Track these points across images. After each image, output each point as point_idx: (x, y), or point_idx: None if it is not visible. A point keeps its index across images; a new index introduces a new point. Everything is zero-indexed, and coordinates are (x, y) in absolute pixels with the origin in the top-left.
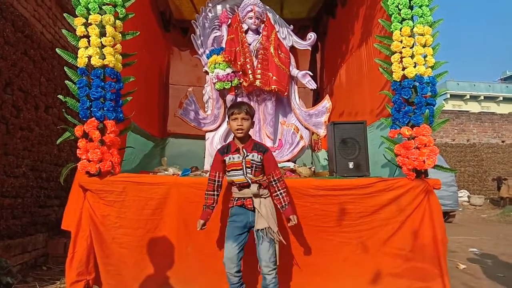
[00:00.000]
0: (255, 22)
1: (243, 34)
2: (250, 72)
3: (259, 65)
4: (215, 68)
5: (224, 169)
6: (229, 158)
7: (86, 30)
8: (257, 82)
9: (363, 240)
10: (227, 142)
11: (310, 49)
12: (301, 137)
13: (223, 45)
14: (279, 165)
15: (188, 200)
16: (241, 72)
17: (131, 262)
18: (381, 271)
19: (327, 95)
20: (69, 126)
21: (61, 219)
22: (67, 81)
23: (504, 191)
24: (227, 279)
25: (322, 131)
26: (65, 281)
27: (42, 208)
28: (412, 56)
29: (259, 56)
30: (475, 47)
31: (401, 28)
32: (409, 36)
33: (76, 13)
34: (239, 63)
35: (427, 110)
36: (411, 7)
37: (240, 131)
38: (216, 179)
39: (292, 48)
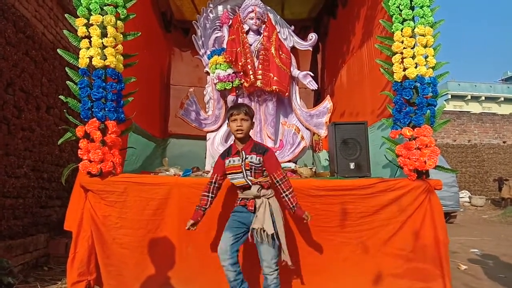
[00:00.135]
0: (256, 22)
1: (244, 34)
2: (251, 72)
3: (260, 66)
4: (216, 68)
5: (224, 172)
6: (229, 161)
7: (88, 31)
8: (258, 83)
9: (364, 240)
10: (228, 145)
11: (311, 49)
12: (302, 138)
13: (224, 45)
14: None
15: (189, 201)
16: (242, 73)
17: (132, 262)
18: (382, 271)
19: (328, 95)
20: (71, 126)
21: (63, 220)
22: (68, 81)
23: (505, 192)
24: (226, 277)
25: (323, 132)
26: (66, 281)
27: (43, 209)
28: (413, 57)
29: (260, 56)
30: (476, 47)
31: (402, 29)
32: (410, 37)
33: (78, 13)
34: (240, 63)
35: (428, 111)
36: (412, 8)
37: (240, 132)
38: (213, 181)
39: (293, 49)
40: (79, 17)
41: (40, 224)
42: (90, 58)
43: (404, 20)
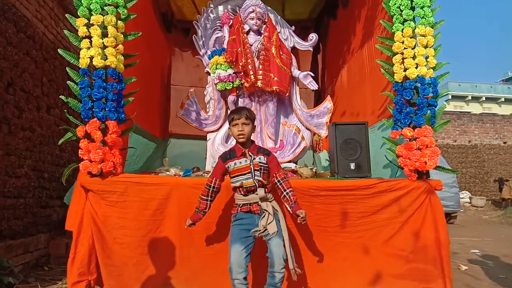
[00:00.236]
0: (256, 23)
1: (245, 35)
2: (251, 73)
3: (260, 66)
4: (216, 69)
5: (223, 176)
6: (234, 164)
7: (88, 31)
8: (259, 83)
9: (364, 241)
10: (229, 148)
11: (312, 50)
12: (303, 138)
13: (225, 46)
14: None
15: (190, 201)
16: (242, 73)
17: (132, 262)
18: (382, 271)
19: (329, 96)
20: (71, 126)
21: (63, 219)
22: (69, 81)
23: (505, 192)
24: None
25: (323, 132)
26: (67, 281)
27: (44, 209)
28: (413, 57)
29: (260, 57)
30: (476, 48)
31: (402, 29)
32: (410, 37)
33: (78, 13)
34: (240, 64)
35: (428, 111)
36: (412, 8)
37: (242, 136)
38: (212, 185)
39: (294, 49)
40: (79, 17)
41: (40, 224)
42: (91, 58)
43: (405, 20)
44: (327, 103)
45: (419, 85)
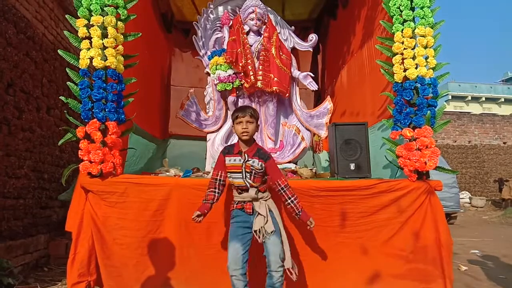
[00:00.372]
0: (256, 23)
1: (245, 35)
2: (251, 73)
3: (260, 67)
4: (216, 69)
5: (227, 169)
6: (229, 160)
7: (88, 32)
8: (259, 84)
9: (364, 241)
10: (232, 143)
11: (312, 50)
12: (302, 138)
13: (225, 46)
14: (280, 166)
15: (190, 202)
16: (242, 74)
17: (132, 263)
18: (382, 271)
19: (329, 96)
20: (71, 127)
21: (63, 220)
22: (69, 82)
23: (505, 193)
24: (232, 286)
25: (323, 132)
26: (67, 282)
27: (43, 209)
28: (413, 58)
29: (260, 57)
30: (476, 48)
31: (402, 30)
32: (410, 38)
33: (78, 14)
34: (240, 64)
35: (428, 112)
36: (412, 9)
37: (245, 134)
38: (218, 177)
39: (294, 50)
40: (79, 18)
41: (40, 225)
42: (91, 59)
43: (405, 21)
44: (327, 104)
45: (419, 85)
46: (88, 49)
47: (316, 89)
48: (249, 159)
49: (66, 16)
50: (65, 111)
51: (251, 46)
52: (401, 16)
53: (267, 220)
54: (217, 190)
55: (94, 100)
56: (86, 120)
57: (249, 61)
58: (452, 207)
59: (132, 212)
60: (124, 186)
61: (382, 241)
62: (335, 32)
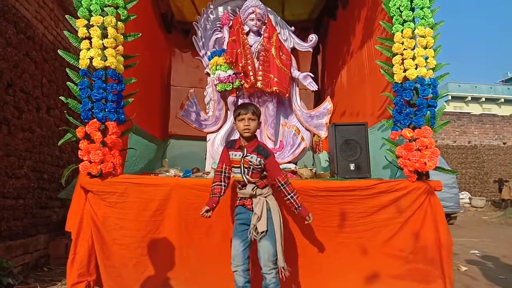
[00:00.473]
0: (256, 24)
1: (245, 35)
2: (251, 73)
3: (260, 67)
4: (216, 69)
5: (231, 162)
6: (231, 154)
7: (88, 32)
8: (259, 84)
9: (364, 241)
10: (234, 138)
11: (311, 50)
12: (302, 139)
13: (225, 46)
14: (280, 166)
15: (189, 202)
16: (242, 74)
17: (132, 263)
18: (382, 272)
19: (328, 96)
20: (71, 127)
21: (63, 220)
22: (68, 82)
23: (505, 193)
24: (234, 281)
25: (323, 133)
26: (66, 282)
27: (43, 209)
28: (413, 58)
29: (260, 57)
30: (476, 49)
31: (402, 30)
32: (410, 38)
33: (78, 14)
34: (240, 64)
35: (428, 112)
36: (412, 9)
37: (247, 131)
38: (223, 170)
39: (293, 50)
40: (79, 18)
41: (40, 225)
42: (91, 59)
43: (405, 21)
44: (327, 104)
45: (419, 86)
46: (88, 49)
47: (316, 89)
48: (248, 154)
49: (66, 16)
50: (65, 111)
51: (251, 46)
52: (401, 17)
53: (260, 219)
54: (223, 183)
55: (94, 100)
56: (86, 120)
57: (249, 61)
58: (452, 207)
59: (132, 212)
60: (124, 186)
61: (381, 242)
62: (335, 32)
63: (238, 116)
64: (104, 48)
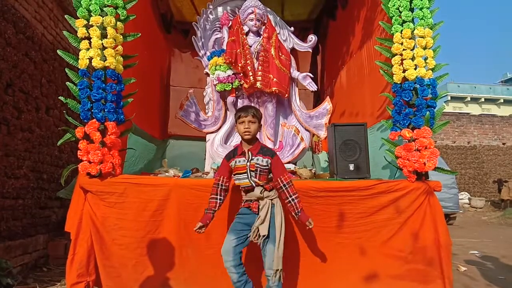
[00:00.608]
0: (256, 24)
1: (244, 36)
2: (250, 74)
3: (259, 67)
4: (216, 70)
5: (230, 174)
6: (235, 162)
7: (87, 32)
8: (258, 84)
9: (363, 241)
10: (234, 146)
11: (311, 51)
12: (302, 139)
13: (224, 47)
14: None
15: (189, 202)
16: (241, 74)
17: (131, 263)
18: (381, 272)
19: (328, 97)
20: (70, 127)
21: (62, 220)
22: (68, 82)
23: (504, 193)
24: (230, 278)
25: (322, 133)
26: (66, 283)
27: (42, 209)
28: (412, 58)
29: (259, 58)
30: (475, 49)
31: (401, 30)
32: (409, 38)
33: (77, 14)
34: (240, 65)
35: (427, 112)
36: (411, 10)
37: (248, 134)
38: (220, 183)
39: (293, 50)
40: (79, 18)
41: (39, 225)
42: (90, 59)
43: (404, 21)
44: (326, 104)
45: (418, 86)
46: (88, 49)
47: (316, 89)
48: (253, 157)
49: (65, 16)
50: (64, 111)
51: (251, 46)
52: (400, 17)
53: (263, 222)
54: (218, 197)
55: (93, 100)
56: (85, 120)
57: (248, 61)
58: (451, 207)
59: (131, 213)
60: (123, 186)
61: (381, 242)
62: (335, 32)
63: (239, 119)
64: (104, 48)
